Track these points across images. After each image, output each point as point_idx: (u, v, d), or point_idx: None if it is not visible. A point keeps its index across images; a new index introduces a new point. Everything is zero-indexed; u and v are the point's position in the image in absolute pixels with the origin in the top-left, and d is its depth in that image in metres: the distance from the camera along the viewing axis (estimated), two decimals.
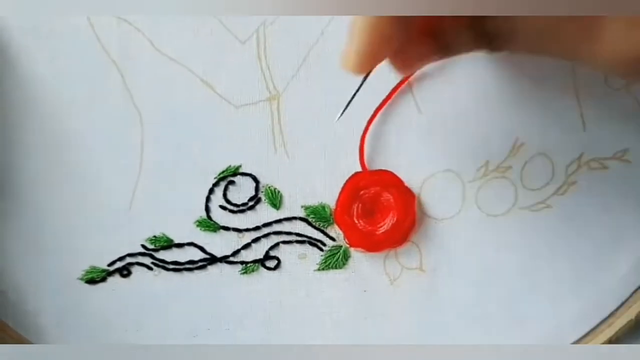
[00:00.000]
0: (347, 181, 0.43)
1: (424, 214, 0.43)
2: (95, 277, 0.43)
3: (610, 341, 0.43)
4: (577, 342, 0.44)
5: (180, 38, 0.43)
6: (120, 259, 0.43)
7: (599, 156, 0.43)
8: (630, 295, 0.44)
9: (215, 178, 0.43)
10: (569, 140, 0.43)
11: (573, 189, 0.44)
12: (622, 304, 0.43)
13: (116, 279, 0.43)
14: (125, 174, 0.43)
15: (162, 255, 0.43)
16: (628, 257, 0.43)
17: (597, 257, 0.44)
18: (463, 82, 0.43)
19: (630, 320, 0.43)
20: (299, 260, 0.43)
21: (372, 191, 0.43)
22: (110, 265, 0.43)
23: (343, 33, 0.42)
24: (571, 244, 0.44)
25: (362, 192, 0.43)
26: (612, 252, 0.43)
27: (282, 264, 0.43)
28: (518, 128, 0.43)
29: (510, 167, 0.43)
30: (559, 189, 0.43)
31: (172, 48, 0.43)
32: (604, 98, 0.43)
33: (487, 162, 0.43)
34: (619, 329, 0.43)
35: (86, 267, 0.43)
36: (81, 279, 0.43)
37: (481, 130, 0.43)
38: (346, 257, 0.43)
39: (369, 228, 0.42)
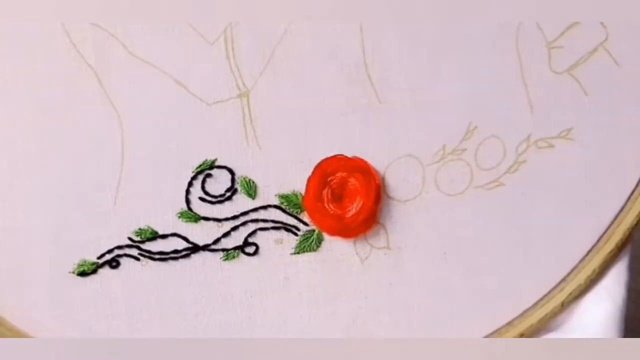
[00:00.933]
0: (315, 168, 0.45)
1: (388, 196, 0.46)
2: (86, 270, 0.45)
3: (562, 304, 0.46)
4: (533, 306, 0.47)
5: (152, 41, 0.45)
6: (109, 251, 0.45)
7: (546, 136, 0.47)
8: (580, 261, 0.47)
9: (193, 172, 0.45)
10: (518, 122, 0.46)
11: (523, 167, 0.47)
12: (572, 270, 0.47)
13: (106, 270, 0.45)
14: (109, 172, 0.45)
15: (148, 246, 0.45)
16: (576, 226, 0.47)
17: (548, 228, 0.47)
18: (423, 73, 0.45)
19: (580, 285, 0.46)
20: (276, 246, 0.46)
21: (340, 176, 0.45)
22: (100, 257, 0.45)
23: (305, 32, 0.45)
24: (523, 217, 0.47)
25: (330, 178, 0.45)
26: (561, 223, 0.47)
27: (261, 249, 0.46)
28: (471, 113, 0.46)
29: (465, 150, 0.46)
30: (510, 167, 0.47)
31: (145, 51, 0.45)
32: (548, 82, 0.46)
33: (444, 146, 0.46)
34: (570, 293, 0.46)
35: (77, 260, 0.45)
36: (73, 272, 0.45)
37: (438, 116, 0.46)
38: (319, 240, 0.46)
39: (339, 212, 0.45)
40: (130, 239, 0.45)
